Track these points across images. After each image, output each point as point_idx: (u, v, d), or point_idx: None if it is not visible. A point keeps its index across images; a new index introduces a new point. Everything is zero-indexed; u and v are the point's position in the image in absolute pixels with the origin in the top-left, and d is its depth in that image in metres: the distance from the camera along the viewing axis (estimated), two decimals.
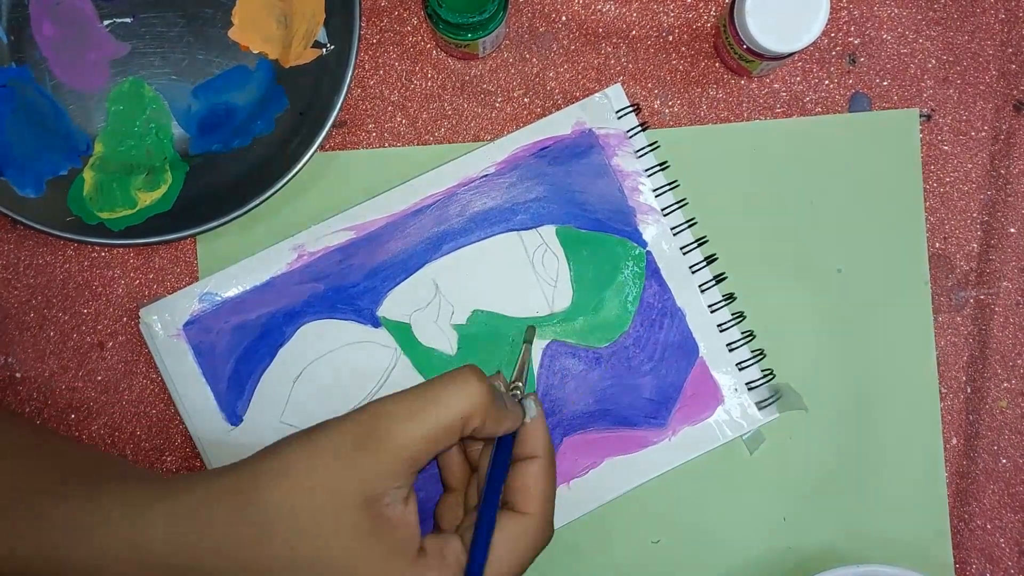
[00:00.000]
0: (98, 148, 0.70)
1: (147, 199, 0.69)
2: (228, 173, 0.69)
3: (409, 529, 0.52)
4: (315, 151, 0.67)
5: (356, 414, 0.52)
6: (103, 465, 0.61)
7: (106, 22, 0.71)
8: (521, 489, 0.56)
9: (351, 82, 0.68)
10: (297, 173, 0.67)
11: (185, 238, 0.69)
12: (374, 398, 0.68)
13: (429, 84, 0.71)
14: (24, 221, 0.67)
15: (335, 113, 0.67)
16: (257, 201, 0.67)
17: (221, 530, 0.51)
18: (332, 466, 0.51)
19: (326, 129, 0.67)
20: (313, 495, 0.50)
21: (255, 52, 0.71)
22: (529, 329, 0.68)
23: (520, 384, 0.62)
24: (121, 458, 0.70)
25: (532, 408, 0.58)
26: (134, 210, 0.69)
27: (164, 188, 0.69)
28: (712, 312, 0.69)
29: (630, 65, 0.71)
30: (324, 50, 0.69)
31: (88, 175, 0.69)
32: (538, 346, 0.69)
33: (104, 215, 0.69)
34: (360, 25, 0.68)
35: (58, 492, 0.55)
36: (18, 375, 0.71)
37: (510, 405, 0.57)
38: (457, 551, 0.53)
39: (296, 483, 0.51)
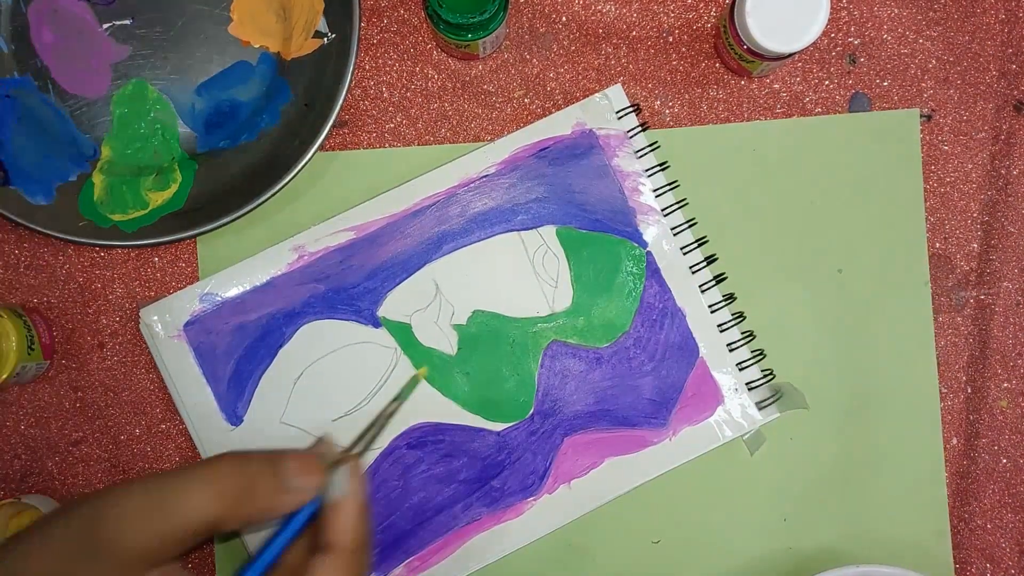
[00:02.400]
0: (105, 152, 0.70)
1: (158, 199, 0.70)
2: (237, 168, 0.70)
3: None
4: (324, 138, 0.68)
5: (78, 509, 0.45)
6: None
7: (105, 25, 0.71)
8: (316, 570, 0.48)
9: (354, 70, 0.68)
10: (301, 170, 0.68)
11: (199, 235, 0.69)
12: (374, 399, 0.68)
13: (429, 84, 0.71)
14: (37, 229, 0.68)
15: (340, 101, 0.68)
16: (268, 195, 0.68)
17: None
18: None
19: (332, 119, 0.67)
20: None
21: (256, 47, 0.71)
22: (409, 382, 0.61)
23: (357, 450, 0.54)
24: None
25: (344, 487, 0.50)
26: (146, 211, 0.69)
27: (175, 187, 0.70)
28: (712, 312, 0.69)
29: (630, 65, 0.71)
30: (325, 40, 0.69)
31: (97, 179, 0.70)
32: (539, 346, 0.69)
33: (116, 217, 0.69)
34: (360, 11, 0.68)
35: None
36: None
37: (299, 481, 0.49)
38: None
39: None
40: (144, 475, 0.45)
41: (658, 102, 0.71)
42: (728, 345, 0.69)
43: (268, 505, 0.47)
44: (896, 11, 0.71)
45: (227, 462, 0.47)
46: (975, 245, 0.71)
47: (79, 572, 0.43)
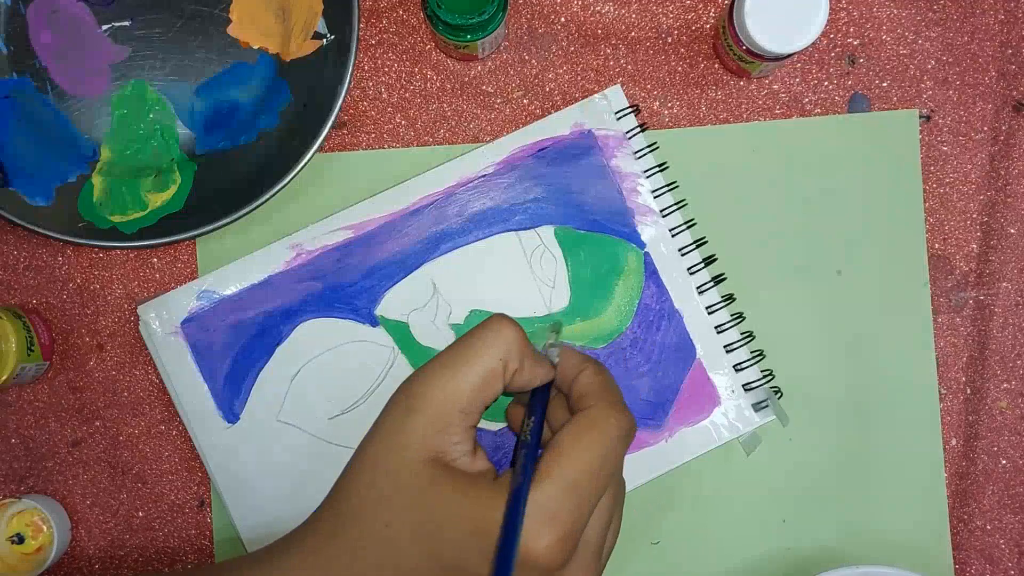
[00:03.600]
0: (105, 153, 0.71)
1: (158, 200, 0.70)
2: (237, 169, 0.70)
3: (483, 471, 0.53)
4: (322, 141, 0.68)
5: (397, 390, 0.54)
6: None
7: (104, 26, 0.71)
8: (579, 396, 0.55)
9: (353, 71, 0.68)
10: (300, 171, 0.68)
11: (199, 236, 0.69)
12: (371, 397, 0.68)
13: (428, 85, 0.71)
14: (37, 229, 0.68)
15: (339, 102, 0.68)
16: (269, 194, 0.68)
17: (326, 546, 0.53)
18: (390, 440, 0.52)
19: (331, 120, 0.68)
20: (384, 469, 0.52)
21: (255, 47, 0.71)
22: (557, 323, 0.68)
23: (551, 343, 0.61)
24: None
25: (555, 352, 0.58)
26: (145, 212, 0.69)
27: (174, 188, 0.70)
28: (710, 313, 0.69)
29: (629, 66, 0.71)
30: (324, 41, 0.69)
31: (97, 180, 0.70)
32: (536, 346, 0.69)
33: (116, 219, 0.69)
34: (359, 12, 0.68)
35: None
36: None
37: (542, 355, 0.57)
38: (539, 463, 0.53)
39: (367, 469, 0.53)
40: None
41: (657, 103, 0.71)
42: (725, 347, 0.69)
43: (534, 359, 0.55)
44: (895, 12, 0.71)
45: (503, 317, 0.54)
46: (974, 246, 0.70)
47: (407, 425, 0.52)
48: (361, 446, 0.54)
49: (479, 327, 0.54)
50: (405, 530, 0.51)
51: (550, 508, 0.49)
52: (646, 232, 0.69)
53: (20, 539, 0.69)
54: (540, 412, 0.56)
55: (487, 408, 0.54)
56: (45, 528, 0.69)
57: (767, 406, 0.68)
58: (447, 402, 0.52)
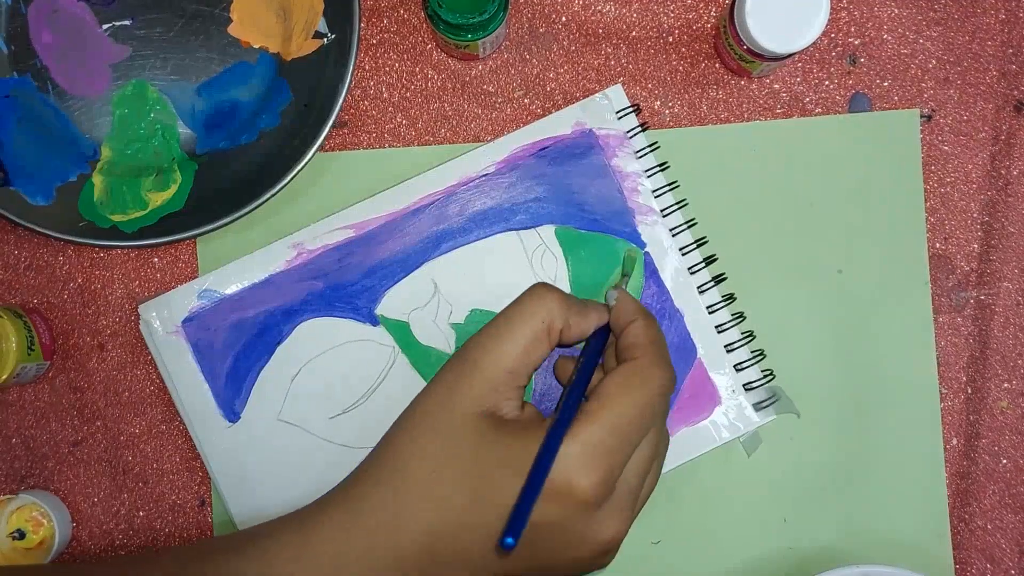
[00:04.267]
0: (105, 152, 0.71)
1: (158, 199, 0.70)
2: (238, 169, 0.70)
3: (532, 420, 0.56)
4: (323, 140, 0.68)
5: (450, 359, 0.58)
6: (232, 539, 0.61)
7: (105, 26, 0.71)
8: (625, 347, 0.58)
9: (354, 71, 0.68)
10: (301, 170, 0.68)
11: (199, 235, 0.69)
12: (372, 396, 0.68)
13: (429, 85, 0.71)
14: (37, 229, 0.68)
15: (340, 101, 0.68)
16: (268, 195, 0.68)
17: (367, 496, 0.56)
18: (446, 399, 0.56)
19: (332, 120, 0.68)
20: (434, 425, 0.56)
21: (256, 47, 0.71)
22: (627, 259, 0.69)
23: (614, 286, 0.64)
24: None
25: (613, 294, 0.61)
26: (146, 211, 0.69)
27: (174, 188, 0.70)
28: (711, 313, 0.69)
29: (630, 66, 0.71)
30: (325, 40, 0.69)
31: (97, 180, 0.70)
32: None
33: (116, 218, 0.69)
34: (360, 12, 0.68)
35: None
36: None
37: (590, 304, 0.60)
38: (585, 405, 0.55)
39: (416, 426, 0.57)
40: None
41: (658, 102, 0.71)
42: (726, 346, 0.69)
43: (580, 313, 0.58)
44: (896, 11, 0.71)
45: (543, 284, 0.58)
46: (975, 245, 0.70)
47: (463, 385, 0.56)
48: (410, 406, 0.58)
49: (523, 295, 0.58)
50: (451, 473, 0.54)
51: (594, 447, 0.53)
52: (647, 232, 0.69)
53: (21, 535, 0.69)
54: (593, 353, 0.59)
55: (537, 367, 0.58)
56: (45, 522, 0.69)
57: (768, 406, 0.68)
58: (495, 365, 0.56)
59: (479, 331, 0.58)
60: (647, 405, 0.55)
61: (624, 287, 0.65)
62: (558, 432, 0.52)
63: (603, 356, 0.61)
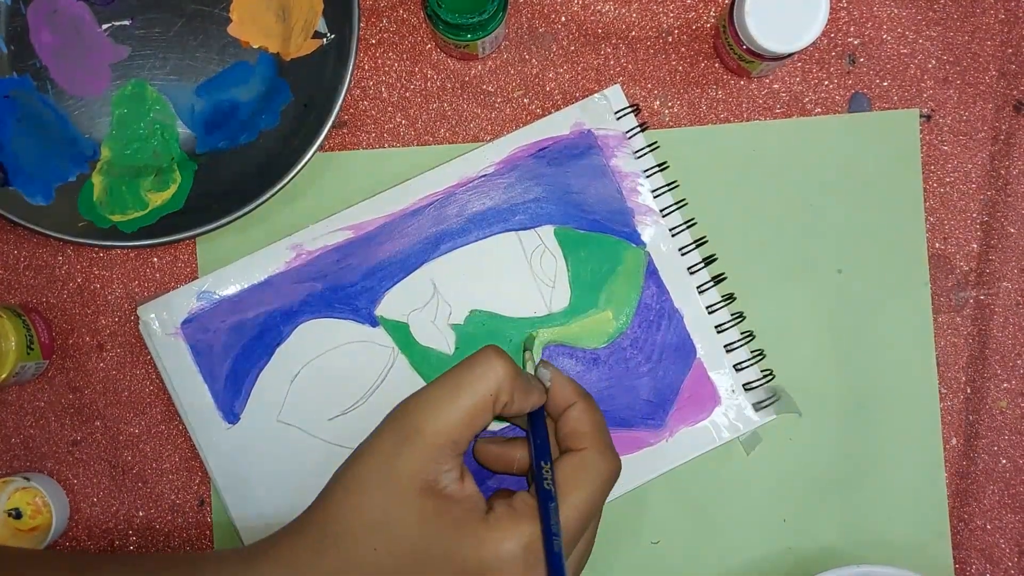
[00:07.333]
0: (105, 152, 0.71)
1: (158, 199, 0.70)
2: (237, 169, 0.70)
3: (471, 499, 0.55)
4: (322, 141, 0.68)
5: (391, 417, 0.56)
6: (176, 563, 0.61)
7: (104, 26, 0.71)
8: (569, 434, 0.57)
9: (353, 71, 0.68)
10: (300, 170, 0.68)
11: (199, 235, 0.69)
12: (371, 398, 0.68)
13: (429, 85, 0.71)
14: (37, 229, 0.68)
15: (340, 101, 0.68)
16: (269, 194, 0.68)
17: (309, 562, 0.55)
18: (383, 467, 0.54)
19: (331, 120, 0.68)
20: (375, 495, 0.54)
21: (255, 47, 0.71)
22: (528, 338, 0.68)
23: (532, 362, 0.64)
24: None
25: (546, 373, 0.60)
26: (145, 211, 0.69)
27: (174, 188, 0.70)
28: (710, 313, 0.69)
29: (629, 66, 0.71)
30: (324, 40, 0.69)
31: (97, 180, 0.70)
32: (536, 347, 0.68)
33: (116, 218, 0.69)
34: (359, 12, 0.68)
35: None
36: None
37: (532, 380, 0.59)
38: (525, 499, 0.55)
39: (358, 492, 0.55)
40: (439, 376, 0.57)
41: (657, 102, 0.71)
42: (726, 346, 0.69)
43: (524, 389, 0.56)
44: (896, 11, 0.71)
45: (494, 349, 0.56)
46: (975, 245, 0.70)
47: (401, 453, 0.54)
48: (351, 465, 0.56)
49: (470, 359, 0.56)
50: (391, 559, 0.53)
51: (539, 550, 0.53)
52: (646, 232, 0.69)
53: (18, 514, 0.69)
54: (543, 437, 0.57)
55: (476, 436, 0.56)
56: (45, 512, 0.69)
57: (767, 406, 0.68)
58: (439, 434, 0.54)
59: (422, 390, 0.56)
60: (594, 501, 0.55)
61: (536, 362, 0.63)
62: (558, 566, 0.51)
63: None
